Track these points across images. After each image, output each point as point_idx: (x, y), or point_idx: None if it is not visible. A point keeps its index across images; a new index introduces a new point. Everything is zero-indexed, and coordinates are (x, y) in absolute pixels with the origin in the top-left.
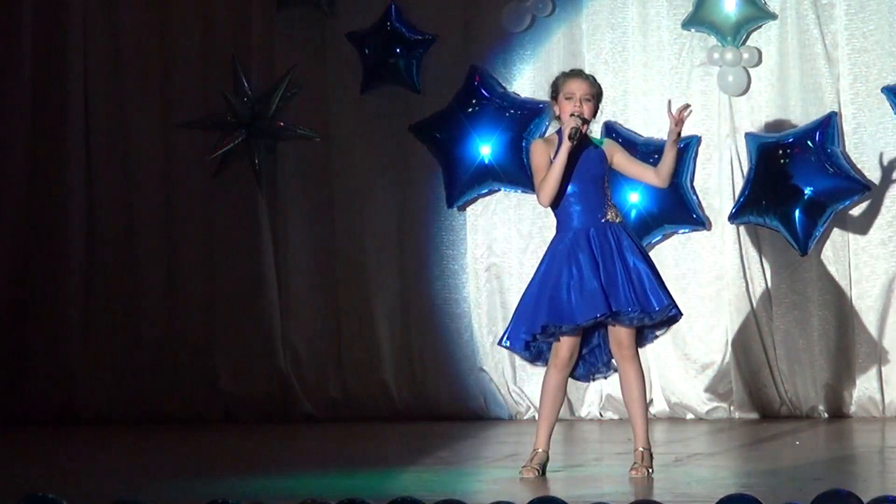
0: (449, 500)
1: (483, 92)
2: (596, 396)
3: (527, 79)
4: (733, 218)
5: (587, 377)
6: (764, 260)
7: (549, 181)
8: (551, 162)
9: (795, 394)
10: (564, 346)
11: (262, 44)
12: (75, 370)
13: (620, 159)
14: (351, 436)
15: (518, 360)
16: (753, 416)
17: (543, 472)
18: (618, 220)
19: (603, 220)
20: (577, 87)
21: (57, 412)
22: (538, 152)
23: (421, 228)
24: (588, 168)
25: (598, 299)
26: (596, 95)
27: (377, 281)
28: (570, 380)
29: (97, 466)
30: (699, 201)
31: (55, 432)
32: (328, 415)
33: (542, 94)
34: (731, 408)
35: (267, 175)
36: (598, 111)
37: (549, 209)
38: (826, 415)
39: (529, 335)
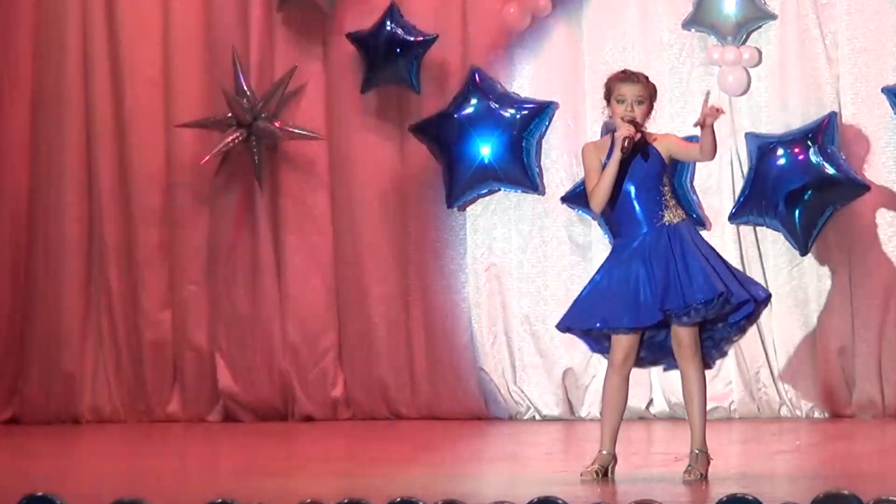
0: (449, 500)
1: (483, 92)
2: (596, 396)
3: (527, 79)
4: (733, 218)
5: (651, 364)
6: (764, 260)
7: (600, 189)
8: (603, 166)
9: (795, 394)
10: (619, 348)
11: (263, 44)
12: (75, 370)
13: (675, 146)
14: (351, 436)
15: (518, 360)
16: (753, 416)
17: (606, 474)
18: (676, 221)
19: (659, 224)
20: (628, 91)
21: (57, 412)
22: (588, 156)
23: (421, 228)
24: (642, 170)
25: (645, 309)
26: (649, 96)
27: (377, 281)
28: (568, 379)
29: (97, 466)
30: (699, 201)
31: (55, 432)
32: (328, 415)
33: (542, 94)
34: (731, 408)
35: (267, 175)
36: (653, 110)
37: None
38: (826, 415)
39: (579, 330)
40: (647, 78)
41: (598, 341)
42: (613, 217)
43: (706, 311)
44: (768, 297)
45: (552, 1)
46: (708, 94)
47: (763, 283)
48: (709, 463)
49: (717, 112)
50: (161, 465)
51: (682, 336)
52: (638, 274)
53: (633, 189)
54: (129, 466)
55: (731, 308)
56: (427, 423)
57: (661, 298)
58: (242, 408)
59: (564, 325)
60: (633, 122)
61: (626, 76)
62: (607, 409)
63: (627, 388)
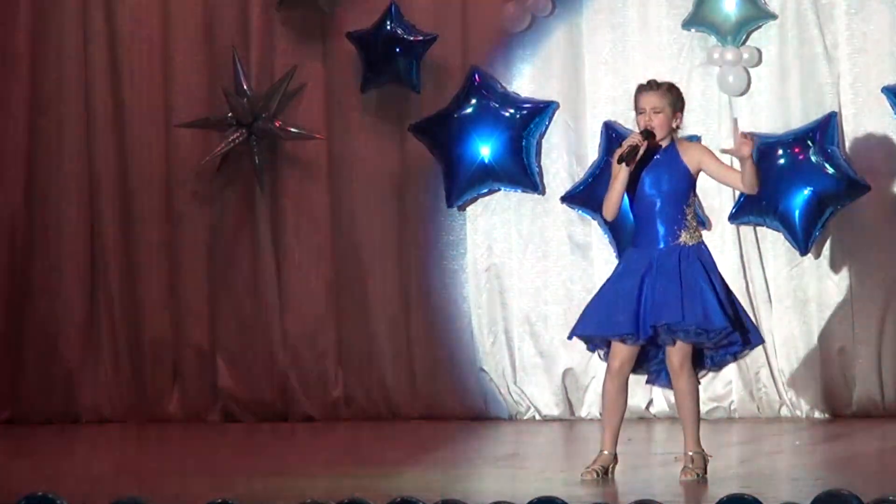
0: (449, 500)
1: (483, 92)
2: (596, 397)
3: (526, 79)
4: (733, 218)
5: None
6: (764, 260)
7: (608, 199)
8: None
9: (795, 394)
10: (616, 356)
11: (263, 43)
12: (75, 369)
13: (710, 166)
14: (351, 436)
15: (518, 360)
16: (753, 416)
17: (607, 473)
18: (692, 243)
19: (674, 243)
20: (645, 101)
21: (57, 412)
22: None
23: (421, 228)
24: (664, 185)
25: (641, 324)
26: (670, 104)
27: (377, 281)
28: (568, 379)
29: (97, 466)
30: (699, 201)
31: (55, 432)
32: (328, 415)
33: (542, 95)
34: (731, 408)
35: (267, 175)
36: (678, 118)
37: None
38: (826, 415)
39: (578, 334)
40: (669, 87)
41: (601, 346)
42: (634, 224)
43: (709, 337)
44: (760, 342)
45: (552, 1)
46: (735, 121)
47: (763, 284)
48: (706, 462)
49: (751, 139)
50: (161, 465)
51: (673, 353)
52: (641, 288)
53: (658, 202)
54: (129, 466)
55: (722, 342)
56: (427, 423)
57: (653, 314)
58: (242, 408)
59: (576, 334)
60: (646, 132)
61: (644, 86)
62: (607, 413)
63: (626, 392)
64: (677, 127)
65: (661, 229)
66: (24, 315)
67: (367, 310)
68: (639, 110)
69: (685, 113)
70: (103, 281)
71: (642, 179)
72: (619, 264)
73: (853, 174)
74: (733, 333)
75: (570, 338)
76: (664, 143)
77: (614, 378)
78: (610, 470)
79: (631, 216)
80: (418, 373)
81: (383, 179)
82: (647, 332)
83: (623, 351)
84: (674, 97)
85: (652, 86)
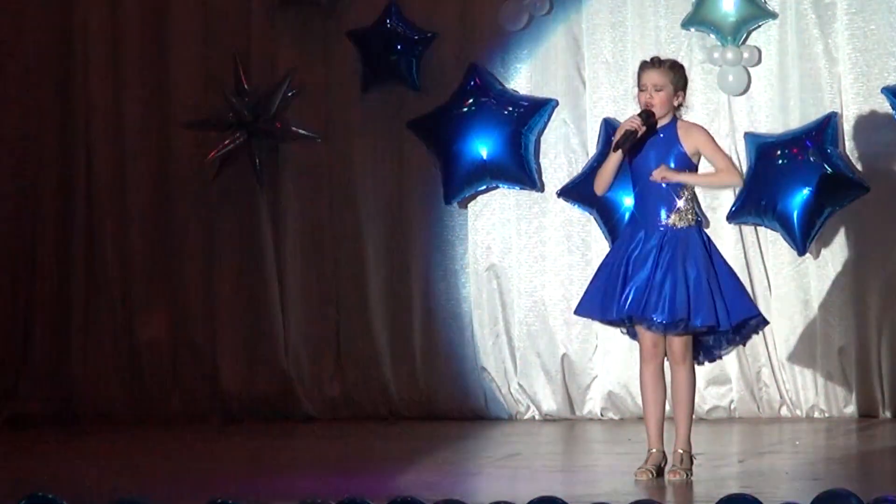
0: (449, 500)
1: (481, 90)
2: (597, 396)
3: (524, 77)
4: (732, 218)
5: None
6: (764, 260)
7: (598, 176)
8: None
9: (795, 394)
10: (645, 336)
11: (263, 43)
12: (75, 370)
13: (704, 148)
14: (351, 436)
15: (519, 359)
16: (754, 415)
17: (660, 474)
18: (682, 225)
19: (662, 226)
20: (647, 78)
21: (57, 412)
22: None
23: (421, 228)
24: (657, 163)
25: (611, 302)
26: (672, 82)
27: (377, 281)
28: (568, 378)
29: (97, 466)
30: (698, 201)
31: (55, 432)
32: (328, 415)
33: (540, 92)
34: (732, 407)
35: (267, 175)
36: (680, 96)
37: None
38: (826, 415)
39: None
40: (672, 64)
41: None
42: (634, 204)
43: (665, 329)
44: (760, 317)
45: (550, 0)
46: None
47: (764, 284)
48: (692, 462)
49: (663, 172)
50: (161, 465)
51: (673, 341)
52: (622, 269)
53: (641, 184)
54: (129, 466)
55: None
56: (427, 423)
57: (623, 302)
58: (242, 408)
59: (578, 314)
60: (644, 114)
61: (647, 63)
62: (646, 405)
63: (663, 380)
64: (679, 105)
65: (652, 208)
66: (27, 316)
67: (367, 309)
68: (640, 87)
69: (685, 111)
70: (103, 281)
71: (640, 156)
72: (615, 243)
73: (853, 174)
74: (720, 325)
75: (577, 313)
76: (665, 121)
77: (648, 362)
78: (661, 469)
79: (625, 210)
80: (418, 373)
81: (383, 179)
82: (623, 313)
83: (650, 332)
84: (676, 75)
85: (654, 63)
